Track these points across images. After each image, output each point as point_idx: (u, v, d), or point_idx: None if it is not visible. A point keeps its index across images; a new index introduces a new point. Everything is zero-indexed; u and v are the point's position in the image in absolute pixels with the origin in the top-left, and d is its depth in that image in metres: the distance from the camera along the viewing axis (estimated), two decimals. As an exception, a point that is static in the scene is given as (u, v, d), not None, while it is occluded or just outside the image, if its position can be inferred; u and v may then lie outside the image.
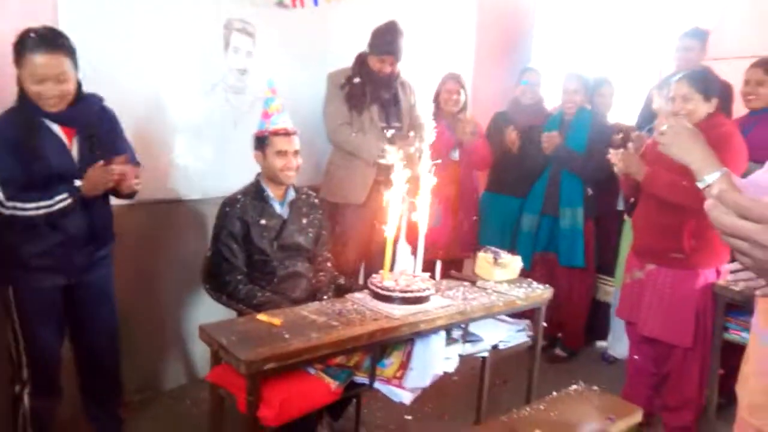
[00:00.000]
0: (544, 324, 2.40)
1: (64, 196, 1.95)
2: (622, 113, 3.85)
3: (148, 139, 2.64)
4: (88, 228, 2.09)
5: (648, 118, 3.37)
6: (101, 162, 2.00)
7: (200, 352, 2.98)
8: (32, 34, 1.87)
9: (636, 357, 2.76)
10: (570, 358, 3.57)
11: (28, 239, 2.00)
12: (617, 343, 3.49)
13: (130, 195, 2.18)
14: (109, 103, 2.22)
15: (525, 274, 2.74)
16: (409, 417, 2.83)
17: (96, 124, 2.07)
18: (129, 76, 2.55)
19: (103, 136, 2.09)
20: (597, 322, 3.69)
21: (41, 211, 1.93)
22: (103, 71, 2.43)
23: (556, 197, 3.43)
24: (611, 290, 3.55)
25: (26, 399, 2.14)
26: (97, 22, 2.43)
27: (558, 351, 3.60)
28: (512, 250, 3.11)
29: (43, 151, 1.95)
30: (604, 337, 3.72)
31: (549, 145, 3.32)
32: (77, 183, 1.98)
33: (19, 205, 1.91)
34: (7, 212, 1.91)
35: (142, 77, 2.60)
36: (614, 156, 2.60)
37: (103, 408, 2.36)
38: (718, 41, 3.52)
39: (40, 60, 1.87)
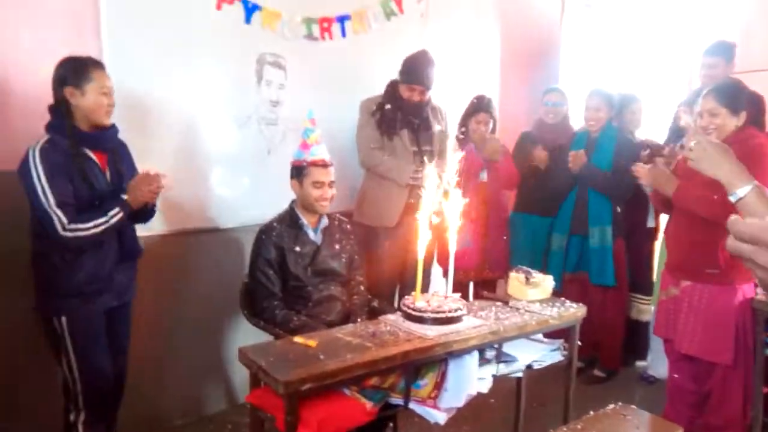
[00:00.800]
0: (579, 343, 2.38)
1: (116, 210, 2.08)
2: (651, 130, 3.84)
3: (186, 169, 2.77)
4: (119, 246, 2.22)
5: (676, 134, 3.36)
6: (144, 172, 2.17)
7: (239, 378, 3.05)
8: (83, 57, 2.09)
9: (675, 375, 2.71)
10: (609, 378, 3.52)
11: (74, 263, 2.09)
12: (657, 363, 3.43)
13: (151, 214, 2.33)
14: (149, 134, 2.37)
15: (556, 294, 2.75)
16: (446, 439, 2.82)
17: (119, 150, 2.25)
18: (168, 109, 2.69)
19: (124, 159, 2.27)
20: (636, 341, 3.64)
21: (99, 229, 2.04)
22: (145, 104, 2.58)
23: (585, 216, 3.42)
24: (645, 308, 3.51)
25: (80, 428, 2.19)
26: (138, 57, 2.58)
27: (596, 372, 3.55)
28: (543, 269, 3.12)
29: (87, 175, 2.08)
30: (643, 356, 3.66)
31: (575, 164, 3.33)
32: (124, 197, 2.11)
33: (80, 225, 2.01)
34: (69, 234, 2.00)
35: (181, 110, 2.74)
36: (640, 170, 2.60)
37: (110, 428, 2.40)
38: (745, 54, 3.51)
39: (103, 74, 2.10)
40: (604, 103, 3.43)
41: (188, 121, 2.77)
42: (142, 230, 2.42)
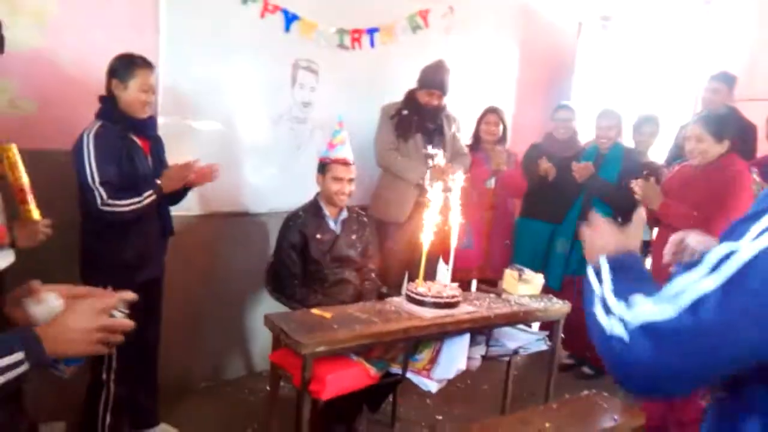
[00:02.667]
0: (562, 335, 2.67)
1: (150, 192, 2.35)
2: (658, 150, 4.06)
3: (224, 158, 3.06)
4: (160, 224, 2.51)
5: (676, 154, 3.61)
6: (178, 164, 2.45)
7: (258, 349, 3.38)
8: (134, 55, 2.35)
9: (652, 374, 2.98)
10: (597, 376, 3.78)
11: (122, 238, 2.36)
12: (642, 365, 3.68)
13: (182, 197, 2.60)
14: (195, 124, 2.68)
15: (555, 294, 3.02)
16: (440, 417, 3.13)
17: (160, 140, 2.55)
18: (212, 104, 3.02)
19: (161, 147, 2.55)
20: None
21: (133, 207, 2.31)
22: (193, 98, 2.92)
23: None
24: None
25: (112, 386, 2.41)
26: (191, 57, 2.91)
27: (585, 369, 3.82)
28: (543, 271, 3.39)
29: (133, 158, 2.37)
30: (631, 359, 3.91)
31: (581, 175, 3.58)
32: (158, 181, 2.39)
33: (117, 202, 2.27)
34: (107, 209, 2.25)
35: (223, 105, 3.06)
36: (636, 185, 2.87)
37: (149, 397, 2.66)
38: (748, 82, 3.74)
39: (147, 73, 2.35)
40: (615, 123, 3.67)
41: (229, 116, 3.10)
42: (179, 210, 2.72)
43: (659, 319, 0.83)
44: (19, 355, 0.95)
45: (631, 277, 0.98)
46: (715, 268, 0.80)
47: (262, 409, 2.99)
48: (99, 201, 2.25)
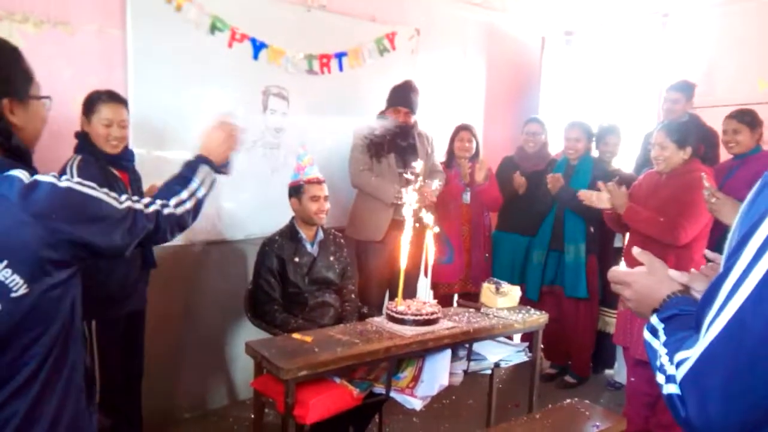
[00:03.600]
0: (542, 345, 2.70)
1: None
2: (624, 159, 4.17)
3: (198, 189, 3.09)
4: (142, 256, 2.51)
5: (642, 163, 3.71)
6: (156, 187, 2.42)
7: (241, 377, 3.36)
8: (101, 91, 2.38)
9: (632, 379, 3.02)
10: (579, 384, 3.82)
11: (106, 272, 2.34)
12: (623, 371, 3.73)
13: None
14: (166, 155, 2.71)
15: (534, 305, 3.07)
16: (427, 434, 3.13)
17: (135, 170, 2.56)
18: (184, 134, 2.99)
19: (138, 179, 2.56)
20: (605, 352, 3.95)
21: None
22: (163, 129, 2.93)
23: (561, 234, 3.75)
24: (611, 321, 3.82)
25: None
26: (159, 89, 2.92)
27: (568, 378, 3.86)
28: (522, 284, 3.44)
29: (114, 190, 2.37)
30: (611, 365, 3.97)
31: (552, 186, 3.65)
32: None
33: None
34: None
35: (195, 135, 3.04)
36: (583, 194, 2.97)
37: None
38: (707, 91, 3.87)
39: (109, 108, 2.36)
40: (583, 135, 3.76)
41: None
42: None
43: (695, 356, 0.81)
44: (204, 168, 1.63)
45: (677, 326, 0.95)
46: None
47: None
48: None
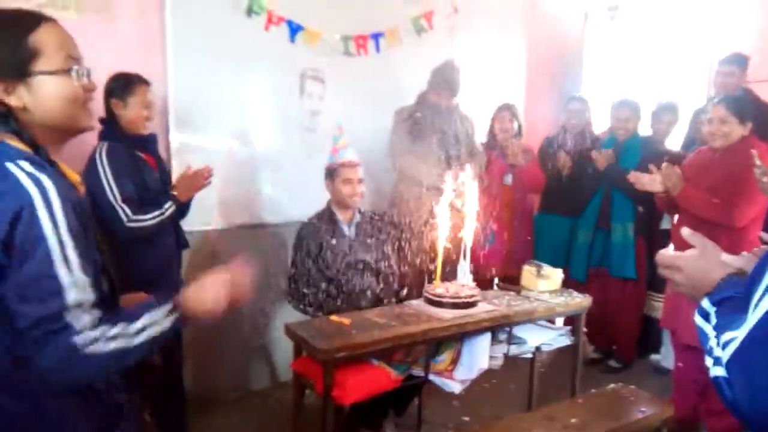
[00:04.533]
0: (585, 329, 2.64)
1: (170, 203, 2.40)
2: (672, 138, 4.00)
3: (237, 171, 3.13)
4: (175, 237, 2.54)
5: (692, 140, 3.56)
6: (190, 170, 2.47)
7: (281, 359, 3.39)
8: (131, 74, 2.39)
9: (680, 365, 2.93)
10: (624, 369, 3.73)
11: (141, 255, 2.35)
12: (670, 356, 3.62)
13: (188, 209, 2.60)
14: (205, 140, 2.70)
15: (580, 287, 2.99)
16: (467, 418, 3.11)
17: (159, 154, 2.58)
18: (222, 118, 3.05)
19: (164, 162, 2.58)
20: (651, 337, 3.84)
21: (157, 220, 2.35)
22: (202, 113, 2.95)
23: (609, 213, 3.64)
24: (658, 305, 3.70)
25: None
26: (198, 73, 2.94)
27: (612, 363, 3.77)
28: (566, 267, 3.36)
29: (143, 173, 2.41)
30: (657, 350, 3.86)
31: (601, 162, 3.54)
32: (174, 192, 2.43)
33: (142, 217, 2.32)
34: (133, 225, 2.28)
35: (233, 119, 3.10)
36: (634, 176, 2.86)
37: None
38: (760, 63, 3.68)
39: (146, 89, 2.39)
40: (633, 114, 3.63)
41: (239, 129, 3.13)
42: (198, 225, 2.78)
43: (741, 336, 0.78)
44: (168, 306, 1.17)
45: (730, 309, 0.92)
46: None
47: (290, 414, 3.00)
48: (125, 219, 2.28)
